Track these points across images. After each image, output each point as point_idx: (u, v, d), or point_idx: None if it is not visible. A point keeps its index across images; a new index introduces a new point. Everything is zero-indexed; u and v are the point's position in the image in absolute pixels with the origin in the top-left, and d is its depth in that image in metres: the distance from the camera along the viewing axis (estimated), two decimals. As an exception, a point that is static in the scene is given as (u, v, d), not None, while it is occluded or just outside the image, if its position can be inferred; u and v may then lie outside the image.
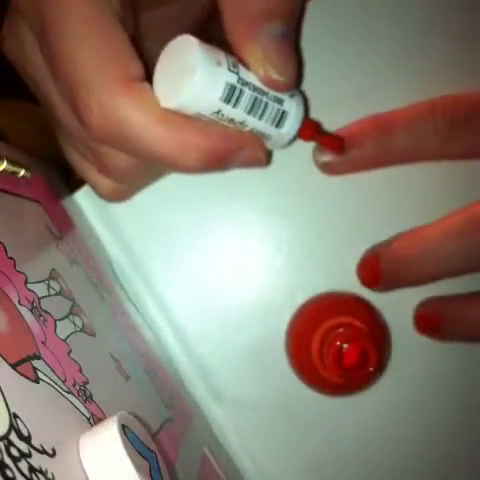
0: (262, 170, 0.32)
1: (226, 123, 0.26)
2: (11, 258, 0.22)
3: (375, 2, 0.32)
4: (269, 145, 0.28)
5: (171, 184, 0.33)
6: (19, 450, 0.16)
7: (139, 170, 0.28)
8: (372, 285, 0.32)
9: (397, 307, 0.33)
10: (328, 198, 0.33)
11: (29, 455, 0.16)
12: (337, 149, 0.30)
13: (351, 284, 0.33)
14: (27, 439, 0.16)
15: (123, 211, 0.34)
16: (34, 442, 0.17)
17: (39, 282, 0.24)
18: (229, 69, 0.25)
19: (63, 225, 0.31)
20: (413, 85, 0.31)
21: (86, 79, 0.24)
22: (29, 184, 0.29)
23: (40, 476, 0.16)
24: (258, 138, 0.27)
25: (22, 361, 0.19)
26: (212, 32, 0.28)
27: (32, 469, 0.16)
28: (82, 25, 0.25)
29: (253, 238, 0.34)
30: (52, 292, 0.24)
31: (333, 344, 0.31)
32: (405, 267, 0.30)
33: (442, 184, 0.32)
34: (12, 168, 0.26)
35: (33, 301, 0.22)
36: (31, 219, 0.27)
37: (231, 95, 0.25)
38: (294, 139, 0.28)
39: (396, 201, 0.33)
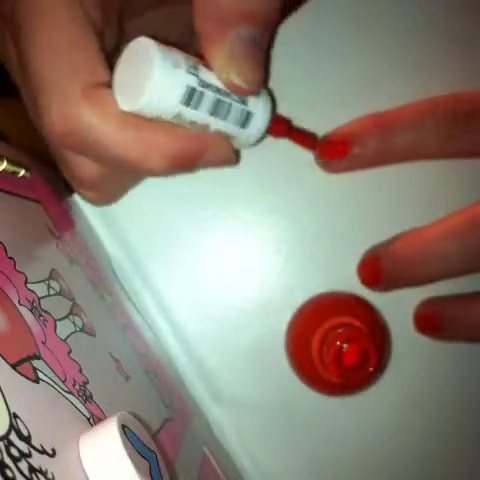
0: (262, 170, 0.33)
1: (188, 125, 0.25)
2: (11, 258, 0.22)
3: (376, 1, 0.32)
4: (236, 144, 0.28)
5: (171, 184, 0.33)
6: (19, 450, 0.16)
7: (108, 177, 0.28)
8: (372, 285, 0.32)
9: (397, 307, 0.33)
10: (328, 198, 0.33)
11: (29, 455, 0.16)
12: (310, 146, 0.30)
13: (351, 284, 0.33)
14: (27, 439, 0.16)
15: (123, 211, 0.34)
16: (34, 442, 0.17)
17: (39, 282, 0.24)
18: (188, 71, 0.24)
19: (63, 225, 0.31)
20: (414, 84, 0.31)
21: (48, 85, 0.24)
22: (29, 184, 0.29)
23: (40, 476, 0.16)
24: (223, 138, 0.27)
25: (22, 361, 0.19)
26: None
27: (32, 469, 0.16)
28: (51, 31, 0.25)
29: (253, 238, 0.34)
30: (52, 292, 0.24)
31: (333, 344, 0.31)
32: (405, 267, 0.30)
33: (442, 184, 0.32)
34: (12, 168, 0.26)
35: (33, 301, 0.22)
36: (31, 219, 0.27)
37: (191, 97, 0.24)
38: (263, 137, 0.28)
39: (396, 201, 0.33)
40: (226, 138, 0.27)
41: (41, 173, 0.32)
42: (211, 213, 0.34)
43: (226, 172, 0.30)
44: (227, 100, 0.25)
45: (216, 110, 0.25)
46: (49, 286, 0.24)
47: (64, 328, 0.23)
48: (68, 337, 0.23)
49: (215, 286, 0.35)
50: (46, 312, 0.23)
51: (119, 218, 0.35)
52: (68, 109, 0.24)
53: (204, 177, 0.32)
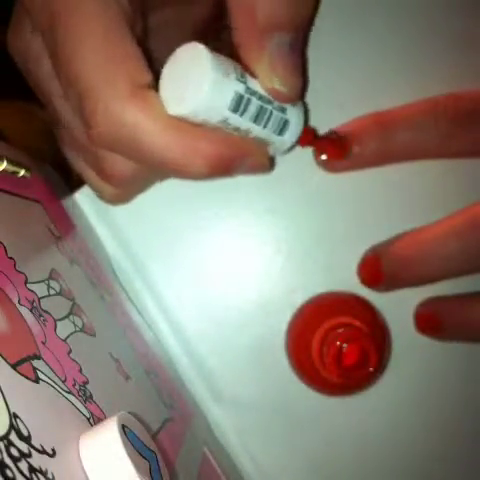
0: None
1: (231, 130, 0.26)
2: (11, 258, 0.22)
3: (375, 2, 0.32)
4: (270, 151, 0.28)
5: (171, 184, 0.33)
6: (19, 450, 0.16)
7: (140, 176, 0.28)
8: (373, 285, 0.32)
9: (397, 307, 0.33)
10: (328, 198, 0.33)
11: (29, 455, 0.16)
12: (339, 156, 0.31)
13: (351, 284, 0.33)
14: (27, 439, 0.16)
15: (123, 211, 0.34)
16: (34, 442, 0.17)
17: (39, 282, 0.24)
18: (237, 79, 0.25)
19: (63, 225, 0.31)
20: (414, 84, 0.31)
21: (93, 83, 0.24)
22: (29, 184, 0.29)
23: (40, 476, 0.16)
24: (262, 145, 0.27)
25: (22, 361, 0.19)
26: (219, 33, 0.28)
27: (32, 469, 0.16)
28: (92, 26, 0.24)
29: (253, 238, 0.34)
30: (52, 292, 0.24)
31: (333, 344, 0.31)
32: (406, 267, 0.30)
33: (443, 184, 0.32)
34: (12, 168, 0.26)
35: (33, 301, 0.22)
36: (31, 219, 0.27)
37: (239, 104, 0.25)
38: (293, 146, 0.28)
39: (396, 201, 0.33)
40: (264, 145, 0.27)
41: (41, 173, 0.32)
42: (211, 213, 0.34)
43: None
44: (269, 107, 0.26)
45: (258, 117, 0.26)
46: (49, 286, 0.24)
47: (64, 328, 0.23)
48: (68, 337, 0.23)
49: (215, 286, 0.35)
50: (46, 312, 0.23)
51: (119, 218, 0.35)
52: (115, 109, 0.24)
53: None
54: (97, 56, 0.24)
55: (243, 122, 0.26)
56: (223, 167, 0.26)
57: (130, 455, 0.19)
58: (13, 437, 0.16)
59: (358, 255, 0.33)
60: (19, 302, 0.21)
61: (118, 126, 0.24)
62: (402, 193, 0.33)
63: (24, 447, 0.16)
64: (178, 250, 0.35)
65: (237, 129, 0.26)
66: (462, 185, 0.32)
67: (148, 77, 0.25)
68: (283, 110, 0.27)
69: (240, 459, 0.36)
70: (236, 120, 0.25)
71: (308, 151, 0.32)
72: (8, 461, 0.15)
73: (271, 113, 0.26)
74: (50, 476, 0.16)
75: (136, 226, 0.35)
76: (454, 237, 0.29)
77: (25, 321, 0.20)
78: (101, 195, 0.30)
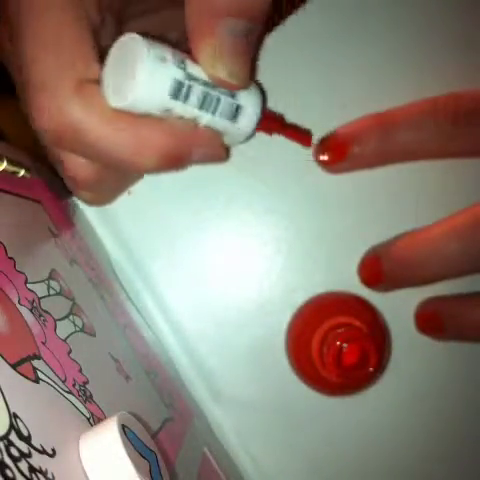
0: (262, 170, 0.33)
1: (177, 120, 0.25)
2: (11, 258, 0.22)
3: (376, 2, 0.32)
4: (227, 140, 0.27)
5: (171, 184, 0.33)
6: (19, 450, 0.16)
7: (104, 178, 0.28)
8: (373, 285, 0.32)
9: (397, 307, 0.33)
10: (328, 198, 0.33)
11: (29, 455, 0.16)
12: (305, 142, 0.30)
13: (351, 284, 0.33)
14: (27, 439, 0.16)
15: (123, 211, 0.34)
16: (34, 442, 0.17)
17: (39, 282, 0.24)
18: (175, 64, 0.24)
19: (63, 225, 0.31)
20: (414, 84, 0.31)
21: (40, 81, 0.24)
22: (29, 184, 0.29)
23: (40, 476, 0.16)
24: (214, 133, 0.26)
25: (22, 361, 0.19)
26: None
27: (32, 469, 0.16)
28: (47, 30, 0.24)
29: (253, 238, 0.34)
30: (52, 292, 0.24)
31: (333, 344, 0.31)
32: (406, 267, 0.30)
33: (443, 184, 0.32)
34: (12, 168, 0.26)
35: (33, 301, 0.22)
36: (31, 219, 0.27)
37: (179, 91, 0.24)
38: (253, 133, 0.27)
39: (396, 201, 0.33)
40: (216, 133, 0.26)
41: (41, 173, 0.32)
42: (211, 213, 0.34)
43: (226, 172, 0.30)
44: (215, 93, 0.25)
45: (204, 103, 0.25)
46: (49, 286, 0.24)
47: (64, 328, 0.23)
48: (68, 337, 0.23)
49: (215, 286, 0.35)
50: (46, 312, 0.23)
51: (119, 218, 0.35)
52: (59, 104, 0.24)
53: (204, 177, 0.32)
54: (49, 54, 0.24)
55: (188, 110, 0.25)
56: (174, 158, 0.25)
57: (130, 455, 0.19)
58: (13, 437, 0.16)
59: (358, 255, 0.33)
60: (19, 302, 0.21)
61: (64, 123, 0.24)
62: (402, 193, 0.33)
63: (24, 447, 0.16)
64: (178, 250, 0.35)
65: (182, 118, 0.25)
66: (462, 185, 0.32)
67: (98, 75, 0.25)
68: (233, 95, 0.26)
69: (240, 459, 0.36)
70: (179, 108, 0.25)
71: (309, 151, 0.32)
72: (8, 461, 0.15)
73: (218, 99, 0.25)
74: (50, 476, 0.16)
75: (136, 226, 0.35)
76: (454, 237, 0.29)
77: (25, 321, 0.20)
78: (79, 198, 0.30)
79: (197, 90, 0.25)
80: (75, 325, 0.25)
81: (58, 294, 0.25)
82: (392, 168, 0.31)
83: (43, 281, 0.24)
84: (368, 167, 0.31)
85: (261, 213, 0.34)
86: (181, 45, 0.25)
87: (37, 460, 0.16)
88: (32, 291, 0.22)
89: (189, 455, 0.29)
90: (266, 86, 0.31)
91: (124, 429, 0.19)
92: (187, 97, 0.25)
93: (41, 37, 0.24)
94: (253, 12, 0.24)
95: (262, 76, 0.31)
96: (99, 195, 0.30)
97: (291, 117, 0.31)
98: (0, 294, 0.20)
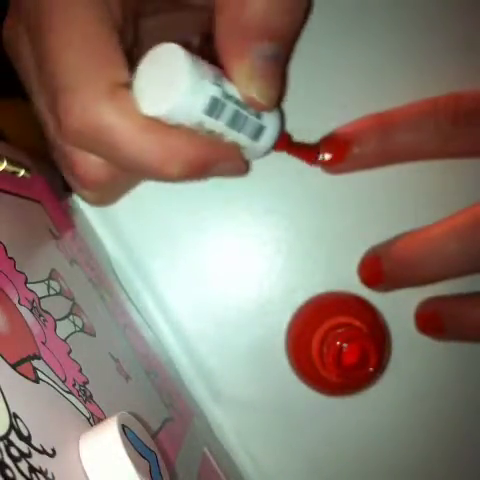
0: (262, 170, 0.33)
1: (205, 134, 0.26)
2: (11, 258, 0.22)
3: (376, 2, 0.32)
4: (245, 155, 0.28)
5: (171, 184, 0.33)
6: (19, 450, 0.16)
7: (115, 180, 0.28)
8: (373, 285, 0.32)
9: (397, 307, 0.33)
10: (328, 198, 0.33)
11: (29, 455, 0.16)
12: (309, 160, 0.31)
13: (351, 284, 0.33)
14: (27, 439, 0.16)
15: (123, 211, 0.34)
16: (34, 442, 0.17)
17: (39, 282, 0.24)
18: (214, 82, 0.25)
19: (63, 225, 0.31)
20: (414, 84, 0.31)
21: (71, 82, 0.24)
22: (29, 184, 0.29)
23: (40, 476, 0.16)
24: (237, 148, 0.27)
25: (22, 361, 0.19)
26: (212, 40, 0.27)
27: (32, 469, 0.16)
28: (74, 27, 0.24)
29: (253, 238, 0.34)
30: (52, 292, 0.24)
31: (333, 344, 0.31)
32: (406, 267, 0.30)
33: (443, 184, 0.32)
34: (12, 168, 0.26)
35: (33, 301, 0.22)
36: (31, 219, 0.27)
37: (214, 108, 0.25)
38: (268, 152, 0.29)
39: (397, 201, 0.33)
40: (239, 148, 0.27)
41: (41, 173, 0.32)
42: (211, 213, 0.34)
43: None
44: (244, 113, 0.26)
45: (234, 121, 0.26)
46: (49, 286, 0.24)
47: (64, 328, 0.23)
48: (68, 337, 0.23)
49: (215, 286, 0.35)
50: (46, 312, 0.23)
51: (119, 218, 0.35)
52: (91, 106, 0.24)
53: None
54: (78, 54, 0.24)
55: (218, 126, 0.26)
56: (199, 169, 0.26)
57: (130, 455, 0.19)
58: (13, 437, 0.16)
59: (358, 255, 0.33)
60: (19, 302, 0.21)
61: (93, 124, 0.24)
62: (402, 193, 0.33)
63: (24, 447, 0.16)
64: (178, 250, 0.35)
65: (211, 132, 0.26)
66: (462, 185, 0.32)
67: (127, 78, 0.25)
68: (259, 116, 0.27)
69: (240, 459, 0.36)
70: (211, 123, 0.25)
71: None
72: (8, 461, 0.15)
73: (246, 118, 0.26)
74: (50, 476, 0.16)
75: (136, 226, 0.35)
76: (454, 238, 0.29)
77: (25, 321, 0.20)
78: (82, 198, 0.30)
79: (229, 108, 0.25)
80: (75, 325, 0.25)
81: (58, 294, 0.25)
82: (392, 168, 0.31)
83: (43, 281, 0.24)
84: (368, 167, 0.31)
85: (261, 213, 0.34)
86: (190, 46, 0.26)
87: (37, 460, 0.16)
88: (32, 291, 0.22)
89: (189, 455, 0.29)
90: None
91: (124, 429, 0.19)
92: (220, 114, 0.25)
93: (66, 35, 0.24)
94: (282, 34, 0.25)
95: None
96: (105, 196, 0.30)
97: (291, 117, 0.31)
98: (0, 294, 0.20)
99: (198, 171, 0.26)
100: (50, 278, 0.25)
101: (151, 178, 0.28)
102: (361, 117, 0.31)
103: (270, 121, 0.27)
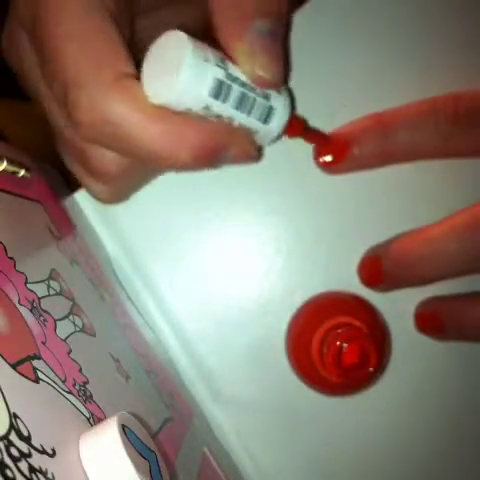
0: (262, 170, 0.33)
1: (214, 119, 0.26)
2: (11, 258, 0.22)
3: (376, 2, 0.32)
4: (256, 140, 0.28)
5: (171, 184, 0.33)
6: (19, 450, 0.16)
7: (129, 172, 0.28)
8: (373, 285, 0.32)
9: (397, 307, 0.33)
10: (327, 198, 0.33)
11: (29, 455, 0.16)
12: (325, 146, 0.31)
13: (351, 284, 0.33)
14: (27, 439, 0.16)
15: (123, 211, 0.34)
16: (34, 442, 0.17)
17: (39, 282, 0.24)
18: (217, 64, 0.25)
19: (63, 225, 0.31)
20: (414, 84, 0.31)
21: (77, 76, 0.24)
22: (29, 184, 0.29)
23: (40, 476, 0.16)
24: (248, 133, 0.27)
25: (22, 361, 0.19)
26: (212, 36, 0.27)
27: (32, 469, 0.16)
28: (73, 22, 0.25)
29: (253, 238, 0.34)
30: (52, 292, 0.24)
31: (333, 344, 0.31)
32: (406, 267, 0.30)
33: (442, 184, 0.32)
34: (12, 168, 0.26)
35: (33, 301, 0.22)
36: (31, 219, 0.27)
37: (220, 90, 0.25)
38: (280, 136, 0.28)
39: (396, 201, 0.33)
40: (250, 133, 0.27)
41: (41, 173, 0.32)
42: (211, 213, 0.34)
43: (227, 172, 0.30)
44: (252, 94, 0.26)
45: (241, 104, 0.26)
46: (49, 286, 0.24)
47: (64, 328, 0.23)
48: (68, 337, 0.23)
49: (215, 286, 0.35)
50: (46, 312, 0.23)
51: (119, 218, 0.35)
52: (99, 99, 0.24)
53: (205, 177, 0.32)
54: (79, 50, 0.24)
55: (225, 109, 0.25)
56: (210, 156, 0.26)
57: (130, 455, 0.19)
58: (13, 437, 0.16)
59: (358, 255, 0.33)
60: (19, 302, 0.21)
61: (103, 117, 0.24)
62: (402, 193, 0.33)
63: (24, 447, 0.16)
64: (178, 250, 0.35)
65: (220, 117, 0.26)
66: (462, 185, 0.32)
67: (132, 70, 0.25)
68: (267, 97, 0.27)
69: (240, 459, 0.36)
70: (218, 107, 0.25)
71: (308, 152, 0.32)
72: (8, 461, 0.15)
73: (254, 100, 0.26)
74: (50, 476, 0.16)
75: (136, 226, 0.35)
76: (454, 238, 0.29)
77: (25, 321, 0.20)
78: (94, 195, 0.30)
79: (236, 90, 0.25)
80: (75, 325, 0.25)
81: (58, 294, 0.25)
82: (392, 168, 0.31)
83: (43, 281, 0.24)
84: (368, 168, 0.31)
85: (261, 213, 0.34)
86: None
87: (37, 460, 0.16)
88: (32, 291, 0.22)
89: (189, 455, 0.29)
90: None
91: (124, 429, 0.19)
92: (226, 96, 0.25)
93: (67, 31, 0.24)
94: (273, 12, 0.25)
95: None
96: (118, 191, 0.30)
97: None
98: (0, 294, 0.20)
99: (208, 157, 0.26)
100: (50, 278, 0.25)
101: (163, 167, 0.28)
102: (361, 117, 0.31)
103: (279, 102, 0.27)
